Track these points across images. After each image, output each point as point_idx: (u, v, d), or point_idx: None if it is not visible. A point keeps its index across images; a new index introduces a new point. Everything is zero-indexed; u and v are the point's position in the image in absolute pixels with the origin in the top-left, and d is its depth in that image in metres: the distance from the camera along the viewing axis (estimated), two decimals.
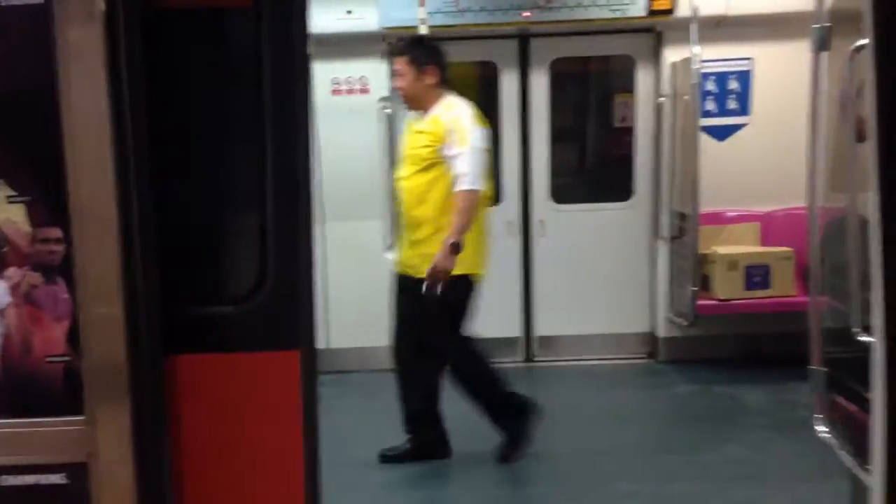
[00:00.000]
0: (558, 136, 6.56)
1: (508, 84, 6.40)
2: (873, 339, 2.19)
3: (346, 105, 6.20)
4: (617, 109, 6.62)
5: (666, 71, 6.19)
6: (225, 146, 2.38)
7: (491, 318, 6.64)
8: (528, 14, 5.71)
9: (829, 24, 2.82)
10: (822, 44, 2.83)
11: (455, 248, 4.34)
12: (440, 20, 5.74)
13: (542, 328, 6.76)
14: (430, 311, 4.44)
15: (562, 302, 6.67)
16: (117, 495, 2.14)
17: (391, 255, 6.43)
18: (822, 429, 2.94)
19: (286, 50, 2.25)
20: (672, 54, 6.11)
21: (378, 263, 6.40)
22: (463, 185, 4.33)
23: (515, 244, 6.67)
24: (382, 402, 5.37)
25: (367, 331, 6.51)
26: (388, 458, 4.75)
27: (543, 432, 5.34)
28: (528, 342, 6.80)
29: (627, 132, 6.55)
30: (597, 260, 6.63)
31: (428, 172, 4.40)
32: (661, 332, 6.55)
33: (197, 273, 2.37)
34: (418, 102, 4.51)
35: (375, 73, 6.17)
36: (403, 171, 4.55)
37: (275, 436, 2.36)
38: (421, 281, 4.39)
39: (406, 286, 4.56)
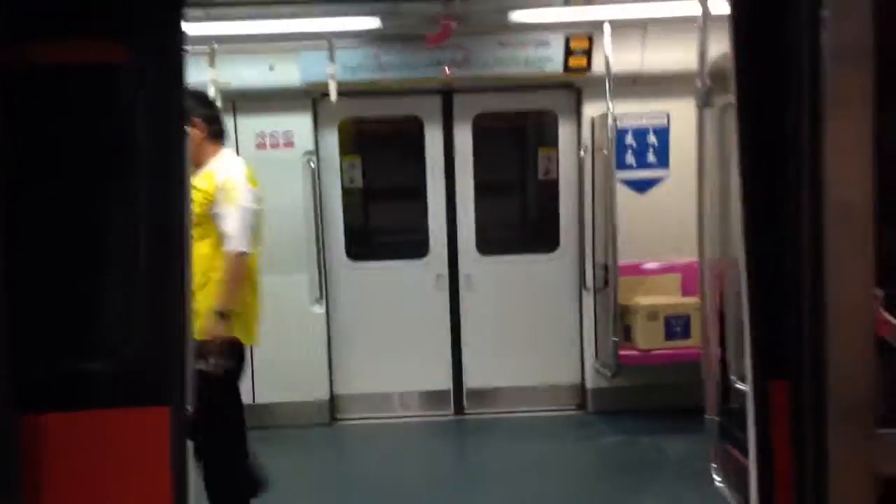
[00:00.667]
0: (484, 189, 6.63)
1: (433, 138, 6.48)
2: (746, 387, 2.24)
3: (270, 159, 6.20)
4: (541, 163, 6.74)
5: (587, 125, 6.33)
6: (96, 200, 2.36)
7: (421, 371, 6.69)
8: (447, 71, 5.80)
9: (710, 84, 2.92)
10: (704, 101, 2.93)
11: (222, 316, 4.08)
12: (363, 75, 5.82)
13: (472, 381, 6.75)
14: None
15: (491, 354, 6.69)
16: None
17: (318, 309, 6.43)
18: (717, 478, 2.97)
19: (161, 105, 2.26)
20: (591, 109, 6.25)
21: (305, 316, 6.38)
22: (228, 247, 4.11)
23: (443, 297, 6.68)
24: (315, 457, 5.28)
25: (295, 385, 6.46)
26: None
27: (470, 487, 5.31)
28: (459, 395, 6.77)
29: (553, 185, 6.65)
30: (525, 311, 6.67)
31: (196, 229, 4.02)
32: (590, 383, 6.58)
33: (61, 327, 2.33)
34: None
35: (300, 126, 6.21)
36: None
37: (143, 497, 2.31)
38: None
39: None
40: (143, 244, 2.30)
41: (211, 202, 4.12)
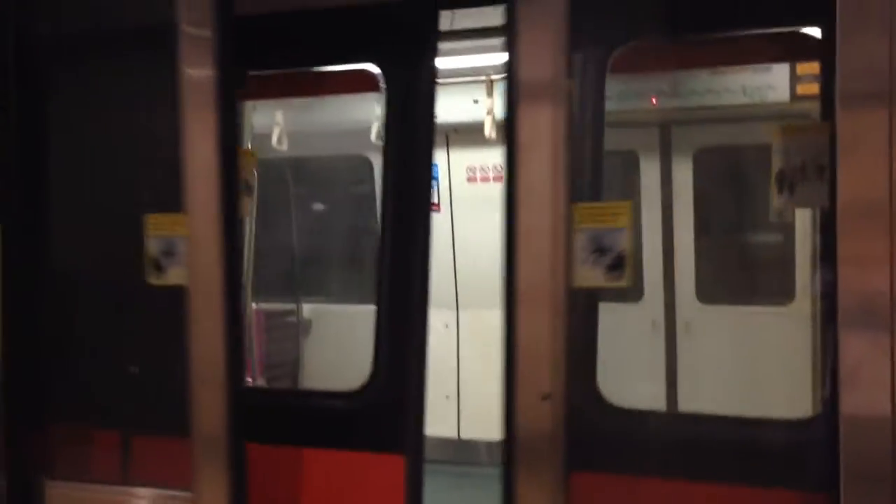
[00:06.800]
0: (707, 231, 6.04)
1: (649, 174, 6.02)
2: None
3: (481, 193, 6.18)
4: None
5: None
6: None
7: None
8: (654, 102, 5.35)
9: None
10: None
11: None
12: None
13: None
14: None
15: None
16: None
17: None
18: None
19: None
20: None
21: None
22: None
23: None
24: None
25: None
26: None
27: None
28: None
29: (789, 228, 5.88)
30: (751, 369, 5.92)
31: None
32: None
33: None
34: None
35: None
36: None
37: None
38: None
39: None
40: (384, 282, 2.47)
41: None
